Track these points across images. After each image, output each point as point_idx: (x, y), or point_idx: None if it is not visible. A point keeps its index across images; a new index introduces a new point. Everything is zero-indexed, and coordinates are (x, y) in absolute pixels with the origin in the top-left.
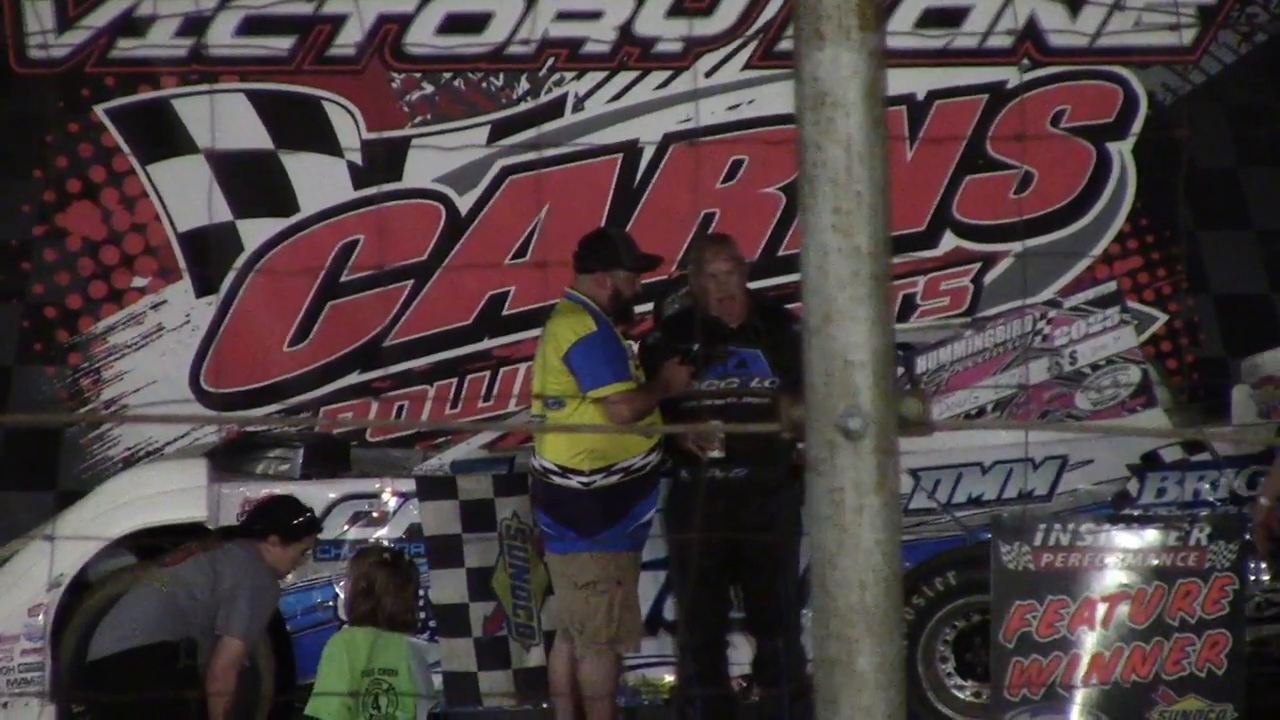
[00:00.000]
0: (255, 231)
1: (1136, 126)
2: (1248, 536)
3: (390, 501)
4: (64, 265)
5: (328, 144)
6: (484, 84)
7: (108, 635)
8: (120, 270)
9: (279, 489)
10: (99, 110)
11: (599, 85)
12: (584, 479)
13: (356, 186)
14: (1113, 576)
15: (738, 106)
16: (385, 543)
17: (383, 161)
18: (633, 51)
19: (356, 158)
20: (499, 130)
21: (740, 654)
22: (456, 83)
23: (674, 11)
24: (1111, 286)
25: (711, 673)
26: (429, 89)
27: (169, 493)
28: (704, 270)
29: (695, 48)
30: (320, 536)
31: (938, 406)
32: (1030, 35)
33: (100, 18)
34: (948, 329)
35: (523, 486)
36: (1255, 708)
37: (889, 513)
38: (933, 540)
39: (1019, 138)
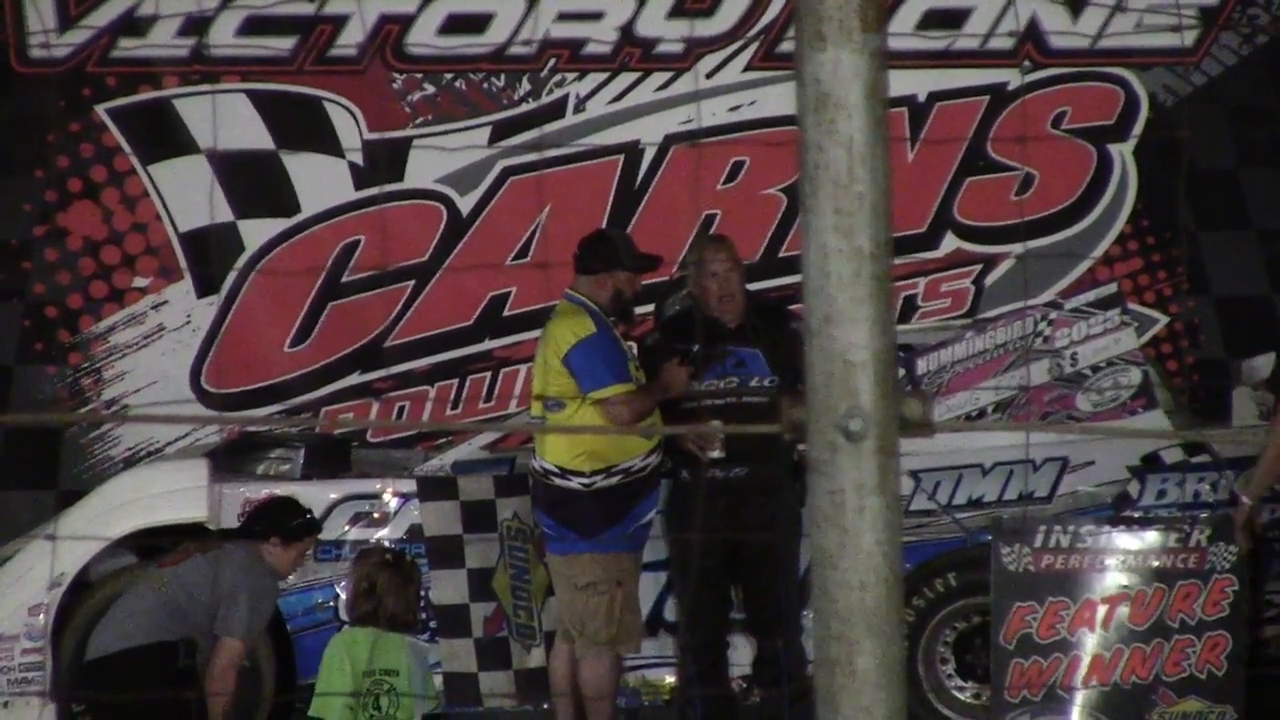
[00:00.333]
0: (256, 232)
1: (1138, 128)
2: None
3: (391, 502)
4: (65, 265)
5: (329, 144)
6: (485, 85)
7: (106, 635)
8: (121, 270)
9: (280, 489)
10: (100, 110)
11: (600, 86)
12: (584, 480)
13: (358, 187)
14: (1113, 578)
15: (739, 108)
16: (386, 543)
17: (384, 162)
18: (634, 52)
19: (358, 158)
20: (500, 131)
21: (741, 655)
22: (458, 83)
23: (675, 12)
24: (1112, 288)
25: (712, 673)
26: (430, 89)
27: (170, 493)
28: (704, 269)
29: (696, 49)
30: (321, 537)
31: (938, 408)
32: (1031, 37)
33: (102, 17)
34: (949, 330)
35: (523, 487)
36: (1255, 709)
37: (890, 514)
38: (933, 542)
39: (1020, 139)
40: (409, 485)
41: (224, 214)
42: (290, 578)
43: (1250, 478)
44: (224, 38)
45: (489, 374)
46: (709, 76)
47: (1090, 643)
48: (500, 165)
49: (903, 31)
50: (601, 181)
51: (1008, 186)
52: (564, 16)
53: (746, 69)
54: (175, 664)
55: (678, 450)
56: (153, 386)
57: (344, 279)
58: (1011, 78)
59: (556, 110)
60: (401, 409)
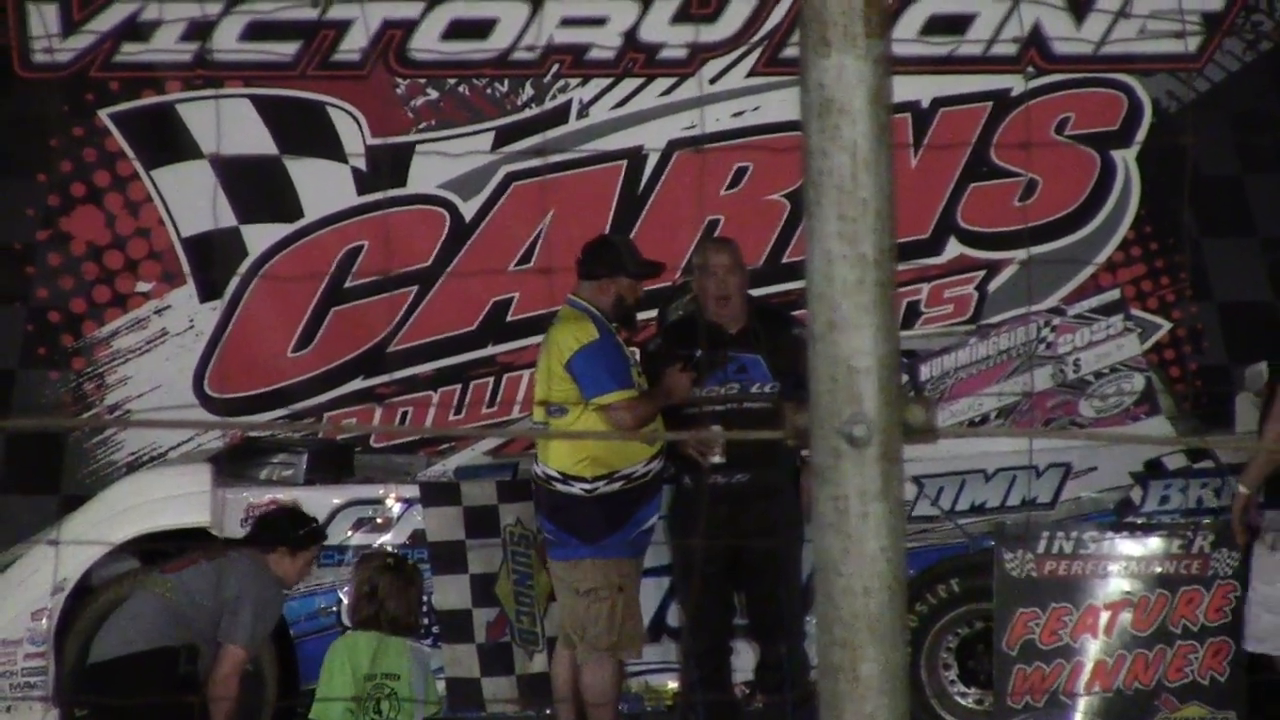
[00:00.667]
0: (259, 236)
1: (1141, 134)
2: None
3: (394, 507)
4: (68, 269)
5: (332, 149)
6: (488, 90)
7: (108, 639)
8: (124, 275)
9: (283, 494)
10: (103, 114)
11: (604, 91)
12: (586, 486)
13: (361, 192)
14: (1116, 584)
15: (742, 113)
16: (389, 548)
17: (387, 167)
18: (637, 58)
19: (361, 163)
20: (503, 136)
21: (743, 660)
22: (461, 88)
23: (679, 18)
24: (1115, 294)
25: (714, 679)
26: (433, 95)
27: (172, 498)
28: (704, 269)
29: (700, 54)
30: (324, 542)
31: (942, 414)
32: (1035, 43)
33: (105, 22)
34: (952, 336)
35: (526, 493)
36: (1257, 715)
37: (893, 520)
38: (936, 547)
39: (1023, 145)
40: (412, 490)
41: (227, 219)
42: None
43: (1248, 467)
44: (227, 42)
45: (492, 379)
46: (713, 82)
47: (1093, 648)
48: (503, 170)
49: (906, 37)
50: (605, 187)
51: (1011, 192)
52: (567, 22)
53: (750, 74)
54: (176, 670)
55: (680, 456)
56: (156, 391)
57: (347, 284)
58: (1015, 84)
59: (560, 116)
60: (404, 414)
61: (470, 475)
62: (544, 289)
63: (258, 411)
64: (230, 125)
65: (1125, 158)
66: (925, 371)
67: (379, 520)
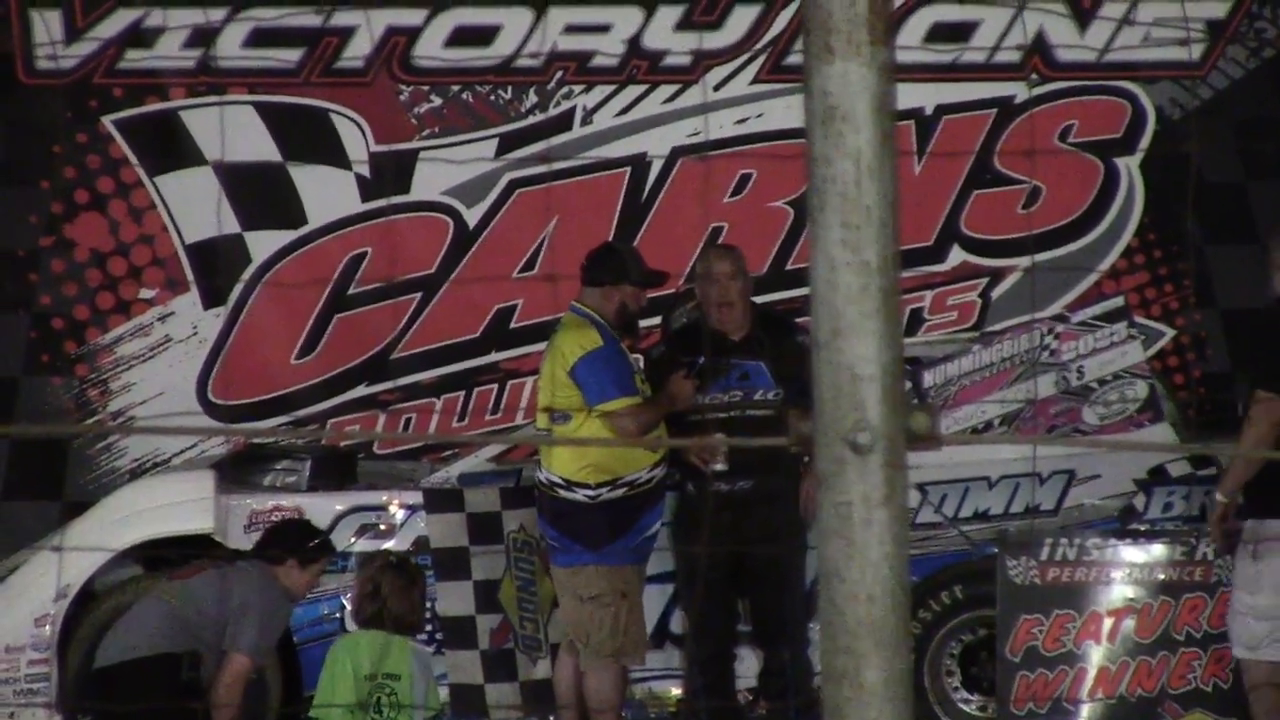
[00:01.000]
0: (263, 243)
1: (1145, 141)
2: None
3: (397, 514)
4: (71, 276)
5: (336, 156)
6: (492, 97)
7: (113, 645)
8: (128, 281)
9: (286, 501)
10: (107, 121)
11: (607, 98)
12: (590, 492)
13: (364, 199)
14: (1119, 591)
15: (746, 120)
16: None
17: (391, 174)
18: (641, 65)
19: (364, 170)
20: (507, 143)
21: (747, 667)
22: (465, 95)
23: (683, 25)
24: (1119, 301)
25: (718, 685)
26: (437, 101)
27: (176, 504)
28: (707, 277)
29: (704, 61)
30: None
31: (945, 421)
32: (1039, 50)
33: (108, 29)
34: (955, 343)
35: (530, 499)
36: None
37: (897, 526)
38: (939, 554)
39: (1027, 153)
40: (415, 497)
41: (231, 225)
42: None
43: (1225, 475)
44: (231, 49)
45: (496, 386)
46: (717, 89)
47: (1096, 655)
48: (507, 177)
49: (910, 45)
50: (608, 194)
51: (1015, 200)
52: (571, 29)
53: (754, 82)
54: (178, 676)
55: (683, 463)
56: (159, 398)
57: (351, 291)
58: (1019, 91)
59: (563, 122)
60: (408, 421)
61: (473, 482)
62: (548, 296)
63: (261, 418)
64: (234, 132)
65: (1129, 165)
66: (929, 379)
67: (382, 527)
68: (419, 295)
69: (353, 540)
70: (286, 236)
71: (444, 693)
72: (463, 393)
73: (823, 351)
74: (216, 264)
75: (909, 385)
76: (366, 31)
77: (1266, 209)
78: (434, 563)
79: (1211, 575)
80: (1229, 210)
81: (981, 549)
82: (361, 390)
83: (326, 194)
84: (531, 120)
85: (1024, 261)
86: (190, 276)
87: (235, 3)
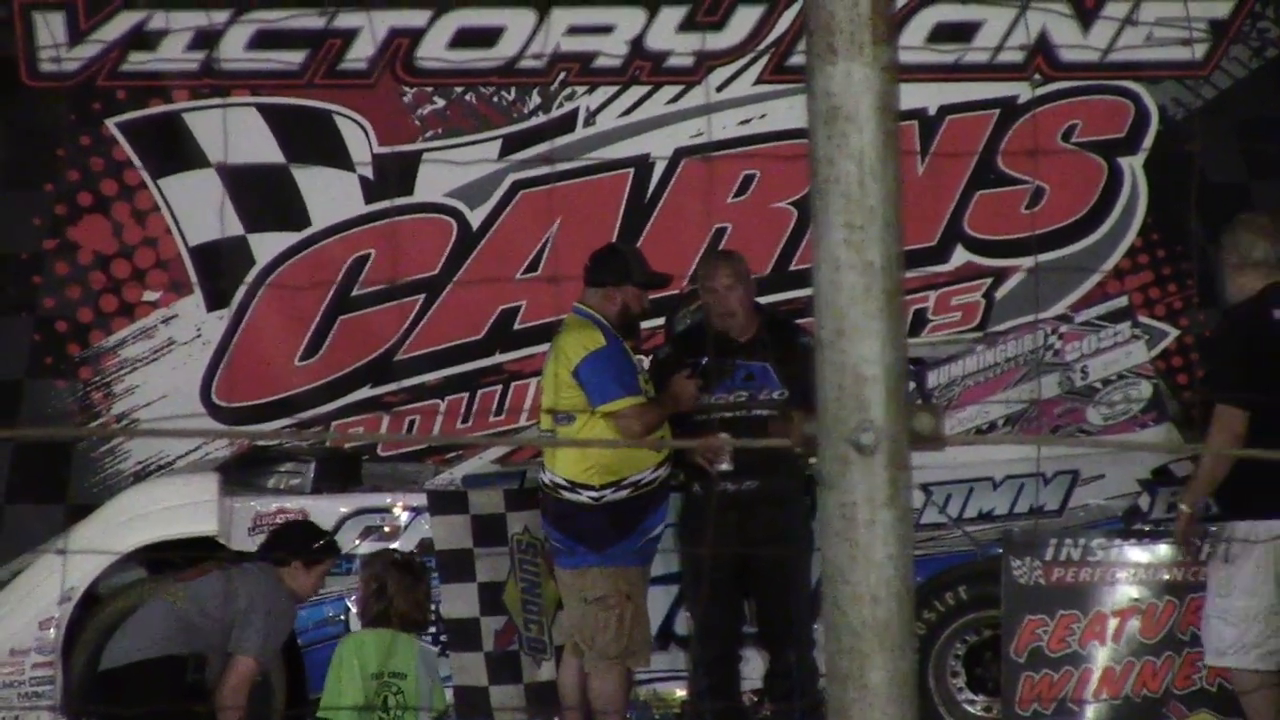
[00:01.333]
0: (266, 245)
1: (1148, 141)
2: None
3: (402, 516)
4: (75, 279)
5: (339, 158)
6: (495, 98)
7: (118, 646)
8: (131, 284)
9: (290, 503)
10: (110, 124)
11: (611, 99)
12: (594, 494)
13: (368, 200)
14: (1124, 591)
15: (749, 121)
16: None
17: (394, 175)
18: (644, 66)
19: (368, 172)
20: (511, 144)
21: (752, 668)
22: (468, 97)
23: (686, 26)
24: (1123, 301)
25: (723, 687)
26: (440, 103)
27: (180, 507)
28: (707, 284)
29: (707, 62)
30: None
31: (949, 421)
32: (1042, 50)
33: (112, 31)
34: (959, 344)
35: (534, 501)
36: None
37: (901, 527)
38: (944, 555)
39: (1031, 153)
40: (419, 499)
41: (234, 228)
42: None
43: (1189, 487)
44: (234, 51)
45: (499, 387)
46: (719, 90)
47: (1101, 656)
48: (510, 179)
49: (913, 45)
50: (612, 195)
51: (1018, 200)
52: (574, 30)
53: (757, 82)
54: (184, 678)
55: (689, 464)
56: (163, 400)
57: (354, 293)
58: (1022, 91)
59: (567, 123)
60: (412, 422)
61: (478, 483)
62: (551, 297)
63: (265, 420)
64: (237, 134)
65: (1132, 165)
66: (933, 379)
67: (387, 529)
68: (422, 297)
69: (357, 542)
70: (290, 238)
71: (448, 694)
72: (467, 394)
73: (826, 352)
74: (220, 266)
75: (913, 386)
76: (369, 33)
77: (1269, 208)
78: (438, 565)
79: None
80: (1232, 210)
81: (986, 549)
82: (365, 392)
83: (330, 196)
84: (535, 121)
85: (1027, 262)
86: (194, 279)
87: (238, 5)
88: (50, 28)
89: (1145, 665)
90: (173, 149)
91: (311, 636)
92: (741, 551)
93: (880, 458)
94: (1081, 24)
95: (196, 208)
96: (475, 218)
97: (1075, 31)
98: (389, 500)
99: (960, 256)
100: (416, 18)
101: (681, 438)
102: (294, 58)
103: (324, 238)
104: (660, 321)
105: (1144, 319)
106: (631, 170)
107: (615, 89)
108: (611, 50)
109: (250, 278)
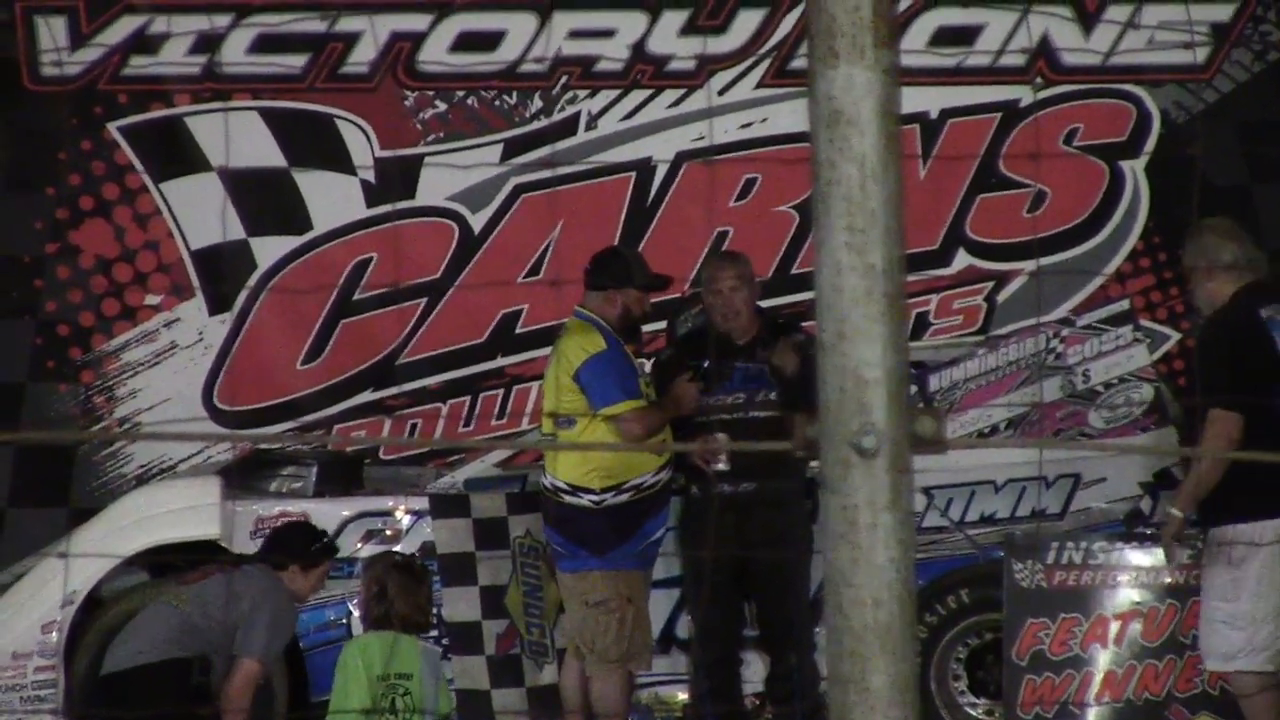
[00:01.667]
0: (268, 249)
1: (1149, 145)
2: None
3: (404, 519)
4: (77, 282)
5: (341, 162)
6: (497, 102)
7: (122, 650)
8: (133, 288)
9: (292, 506)
10: (112, 128)
11: (612, 103)
12: (595, 497)
13: (369, 204)
14: (1125, 594)
15: (751, 124)
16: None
17: (396, 179)
18: (646, 69)
19: (369, 175)
20: (512, 148)
21: (754, 671)
22: (469, 101)
23: (687, 30)
24: (1124, 305)
25: (724, 690)
26: (442, 107)
27: (182, 510)
28: (710, 285)
29: (708, 66)
30: (336, 557)
31: (951, 424)
32: (1043, 54)
33: (113, 35)
34: (961, 347)
35: (536, 504)
36: None
37: (903, 530)
38: (946, 558)
39: (1032, 156)
40: (421, 503)
41: (236, 231)
42: None
43: (1180, 491)
44: (236, 55)
45: (501, 391)
46: (721, 93)
47: (1103, 659)
48: (512, 182)
49: (915, 48)
50: (613, 199)
51: (1020, 203)
52: (576, 34)
53: (759, 86)
54: (188, 681)
55: (688, 466)
56: (165, 404)
57: (356, 296)
58: (1024, 95)
59: (568, 127)
60: (414, 426)
61: (479, 487)
62: (553, 300)
63: (267, 424)
64: (239, 138)
65: (1134, 168)
66: (934, 382)
67: (388, 532)
68: (424, 300)
69: (359, 546)
70: (292, 242)
71: (452, 697)
72: (468, 398)
73: (828, 355)
74: (222, 270)
75: (914, 389)
76: (371, 37)
77: (1271, 212)
78: (440, 568)
79: None
80: (1234, 213)
81: (988, 553)
82: (367, 395)
83: (331, 200)
84: (536, 125)
85: (1029, 265)
86: (196, 282)
87: (240, 9)
88: (52, 31)
89: (1147, 668)
90: (174, 153)
91: (313, 640)
92: (739, 554)
93: (882, 461)
94: (1083, 27)
95: (198, 212)
96: (477, 221)
97: (1077, 35)
98: (391, 504)
99: (962, 260)
100: (418, 21)
101: (680, 440)
102: (295, 61)
103: (325, 242)
104: (662, 325)
105: (1146, 322)
106: (633, 174)
107: (617, 93)
108: (613, 54)
109: (252, 281)
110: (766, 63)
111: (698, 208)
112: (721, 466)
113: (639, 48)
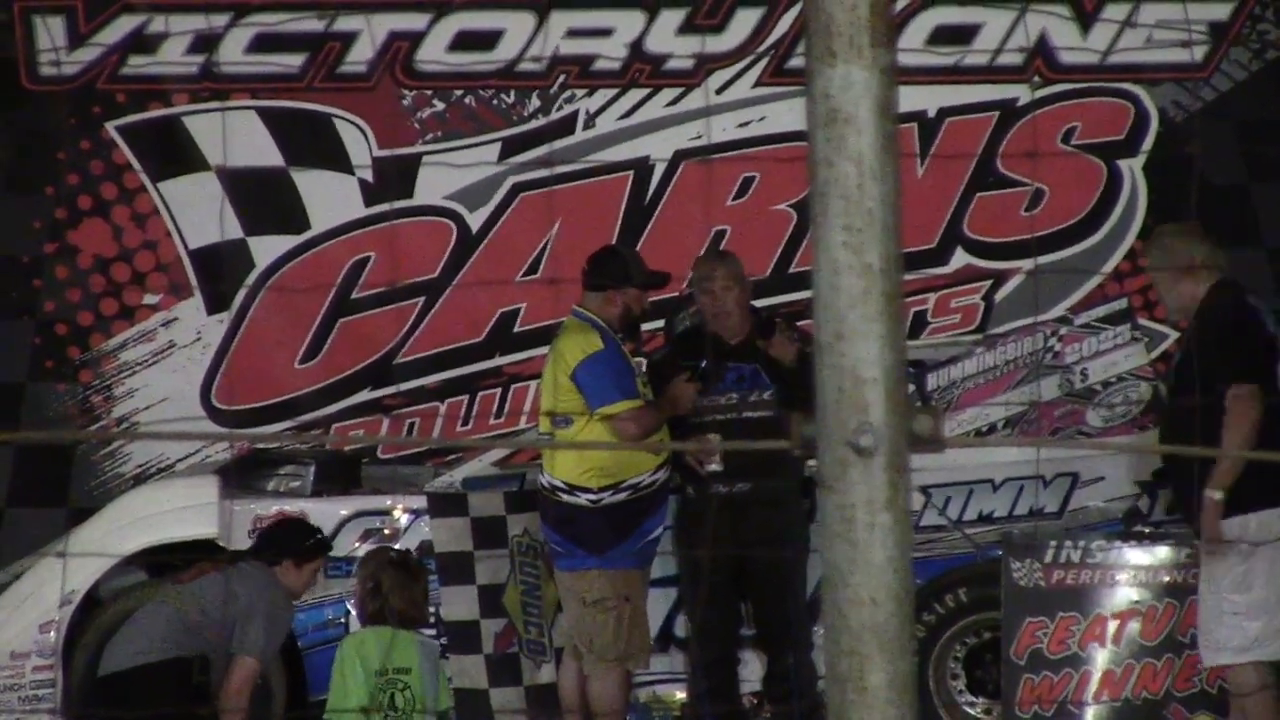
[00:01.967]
0: (266, 248)
1: (1147, 144)
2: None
3: (402, 518)
4: (75, 282)
5: (339, 161)
6: (495, 101)
7: (120, 650)
8: (131, 287)
9: (290, 506)
10: (110, 127)
11: (610, 102)
12: (592, 496)
13: (367, 204)
14: (1124, 593)
15: (749, 123)
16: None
17: (394, 178)
18: (644, 68)
19: (367, 175)
20: (510, 147)
21: (751, 670)
22: (467, 100)
23: (685, 29)
24: (1122, 303)
25: (722, 689)
26: (440, 106)
27: (180, 510)
28: (701, 285)
29: (706, 64)
30: (332, 554)
31: (949, 423)
32: (1041, 52)
33: (111, 35)
34: (959, 346)
35: (534, 503)
36: None
37: (900, 530)
38: (944, 557)
39: (1030, 155)
40: (419, 501)
41: (234, 231)
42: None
43: (1216, 473)
44: (233, 55)
45: (499, 390)
46: (719, 92)
47: (1101, 658)
48: (510, 181)
49: (912, 47)
50: (611, 197)
51: (1017, 202)
52: (573, 33)
53: (756, 84)
54: (189, 680)
55: (681, 466)
56: (163, 403)
57: (354, 295)
58: (1021, 93)
59: (566, 126)
60: (412, 425)
61: (478, 486)
62: (551, 300)
63: (265, 423)
64: (237, 137)
65: (1132, 167)
66: (932, 381)
67: (386, 531)
68: (422, 300)
69: (357, 545)
70: (290, 241)
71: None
72: (466, 397)
73: (825, 354)
74: (220, 269)
75: (912, 388)
76: (369, 36)
77: (1270, 211)
78: (438, 567)
79: None
80: (1232, 212)
81: (986, 552)
82: (365, 395)
83: (329, 199)
84: (534, 124)
85: (1027, 264)
86: (194, 282)
87: (238, 8)
88: (50, 31)
89: (1145, 667)
90: (172, 152)
91: (311, 639)
92: (735, 553)
93: (879, 460)
94: (1081, 26)
95: (196, 211)
96: (475, 220)
97: (1075, 34)
98: (389, 503)
99: (960, 259)
100: (416, 21)
101: (675, 440)
102: (293, 61)
103: (324, 241)
104: (660, 324)
105: (1144, 321)
106: (631, 173)
107: (615, 92)
108: (611, 53)
109: (250, 281)
110: (764, 62)
111: (696, 206)
112: (715, 467)
113: (637, 47)
